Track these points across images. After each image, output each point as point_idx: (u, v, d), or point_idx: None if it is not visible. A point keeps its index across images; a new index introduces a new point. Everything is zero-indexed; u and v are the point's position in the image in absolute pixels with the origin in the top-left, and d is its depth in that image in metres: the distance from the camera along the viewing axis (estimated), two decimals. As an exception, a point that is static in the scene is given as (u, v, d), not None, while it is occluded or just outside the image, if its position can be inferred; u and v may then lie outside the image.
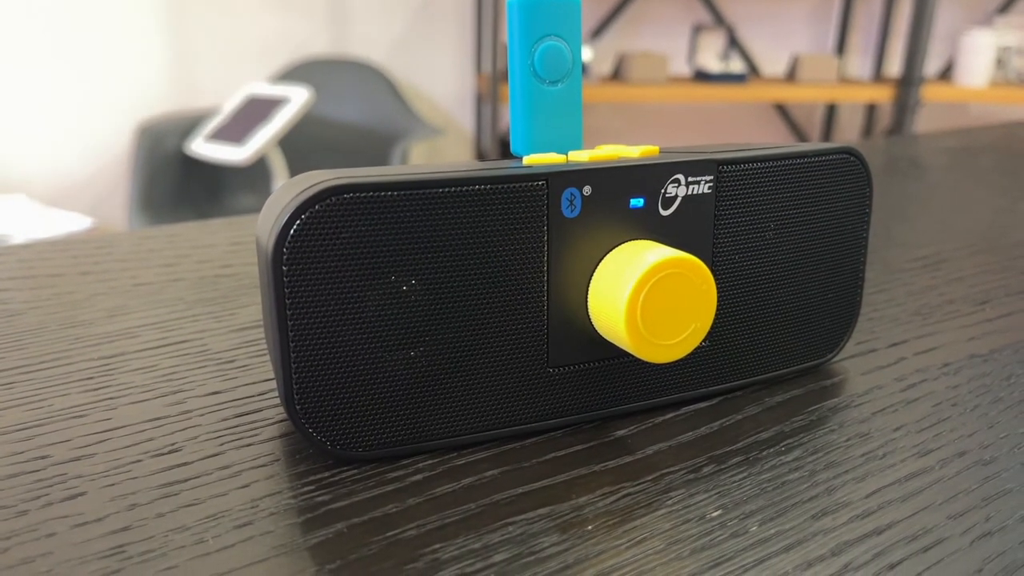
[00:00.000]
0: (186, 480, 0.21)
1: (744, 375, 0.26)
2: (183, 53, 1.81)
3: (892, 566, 0.18)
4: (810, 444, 0.24)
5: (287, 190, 0.21)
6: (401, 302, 0.21)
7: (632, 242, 0.23)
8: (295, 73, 1.84)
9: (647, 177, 0.23)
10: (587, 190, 0.22)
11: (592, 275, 0.23)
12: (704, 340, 0.25)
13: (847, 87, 2.17)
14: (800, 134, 2.51)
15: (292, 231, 0.20)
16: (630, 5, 2.21)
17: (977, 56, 2.12)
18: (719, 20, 2.26)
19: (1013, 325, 0.33)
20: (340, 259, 0.20)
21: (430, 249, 0.21)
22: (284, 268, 0.20)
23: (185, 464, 0.22)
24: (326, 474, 0.22)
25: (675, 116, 2.39)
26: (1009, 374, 0.28)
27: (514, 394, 0.23)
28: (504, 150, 2.00)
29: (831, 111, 2.49)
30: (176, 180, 1.70)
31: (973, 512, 0.20)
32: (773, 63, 2.36)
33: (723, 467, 0.22)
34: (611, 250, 0.23)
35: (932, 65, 2.28)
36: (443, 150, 2.11)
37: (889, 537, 0.19)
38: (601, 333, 0.23)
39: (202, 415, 0.24)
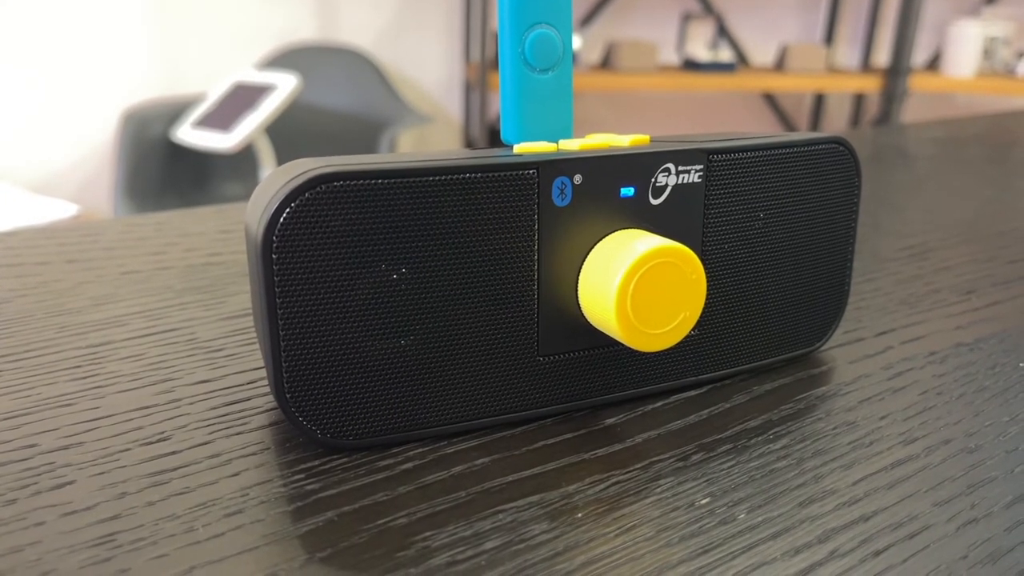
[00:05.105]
0: (176, 469, 0.21)
1: (733, 363, 0.27)
2: (169, 38, 1.79)
3: (878, 552, 0.19)
4: (798, 432, 0.24)
5: (276, 178, 0.21)
6: (391, 290, 0.21)
7: (622, 231, 0.23)
8: (282, 60, 1.83)
9: (637, 166, 0.23)
10: (578, 179, 0.22)
11: (582, 264, 0.23)
12: (693, 329, 0.25)
13: (835, 77, 2.18)
14: (788, 123, 2.51)
15: (282, 219, 0.20)
16: (619, -7, 2.20)
17: (964, 46, 2.13)
18: (708, 9, 2.25)
19: (999, 314, 0.33)
20: (330, 247, 0.20)
21: (420, 237, 0.21)
22: (274, 256, 0.20)
23: (174, 453, 0.22)
24: (316, 462, 0.22)
25: (664, 105, 2.39)
26: (994, 363, 0.28)
27: (504, 382, 0.23)
28: (492, 138, 1.99)
29: (819, 100, 2.50)
30: (162, 167, 1.69)
31: (958, 499, 0.21)
32: (762, 52, 2.36)
33: (712, 455, 0.23)
34: (601, 239, 0.23)
35: (920, 55, 2.29)
36: (431, 138, 2.10)
37: (875, 524, 0.20)
38: (591, 322, 0.23)
39: (191, 404, 0.24)
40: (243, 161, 1.67)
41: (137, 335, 0.29)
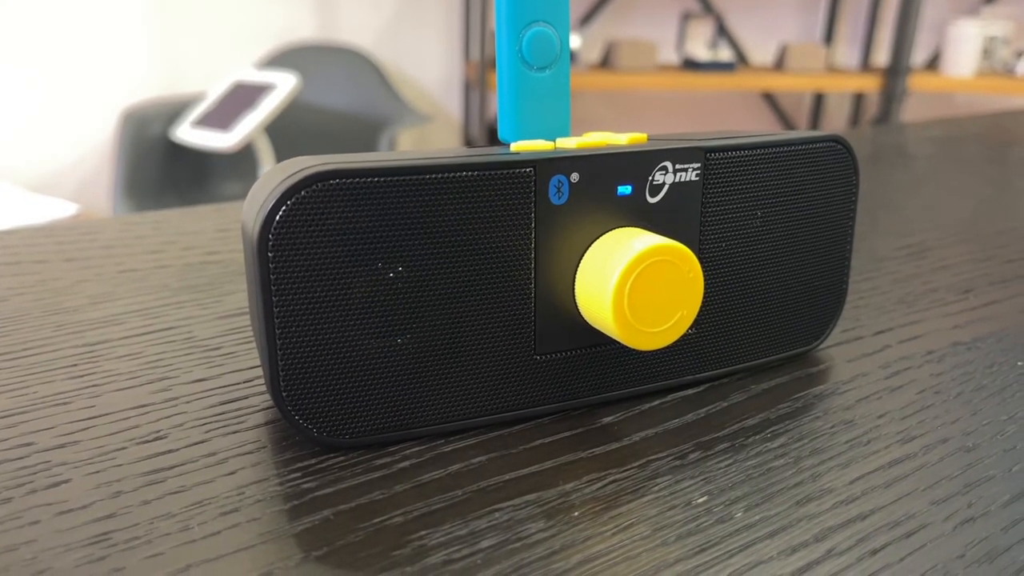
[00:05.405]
0: (171, 467, 0.21)
1: (730, 362, 0.27)
2: (169, 38, 1.79)
3: (875, 551, 0.19)
4: (795, 431, 0.24)
5: (273, 176, 0.21)
6: (388, 289, 0.21)
7: (619, 229, 0.23)
8: (282, 59, 1.82)
9: (635, 164, 0.23)
10: (575, 177, 0.22)
11: (579, 262, 0.23)
12: (691, 327, 0.25)
13: (835, 76, 2.18)
14: (788, 123, 2.51)
15: (278, 217, 0.20)
16: (619, -8, 2.20)
17: (964, 46, 2.12)
18: (708, 8, 2.25)
19: (996, 313, 0.33)
20: (326, 245, 0.20)
21: (417, 235, 0.21)
22: (270, 255, 0.20)
23: (170, 451, 0.22)
24: (312, 461, 0.22)
25: (663, 104, 2.39)
26: (992, 362, 0.28)
27: (501, 381, 0.23)
28: (492, 137, 1.99)
29: (819, 100, 2.50)
30: (161, 166, 1.69)
31: (955, 498, 0.21)
32: (761, 52, 2.36)
33: (709, 454, 0.23)
34: (598, 237, 0.23)
35: (919, 55, 2.29)
36: (431, 137, 2.10)
37: (872, 523, 0.20)
38: (588, 320, 0.23)
39: (188, 402, 0.24)
40: (242, 160, 1.66)
41: (134, 333, 0.29)
